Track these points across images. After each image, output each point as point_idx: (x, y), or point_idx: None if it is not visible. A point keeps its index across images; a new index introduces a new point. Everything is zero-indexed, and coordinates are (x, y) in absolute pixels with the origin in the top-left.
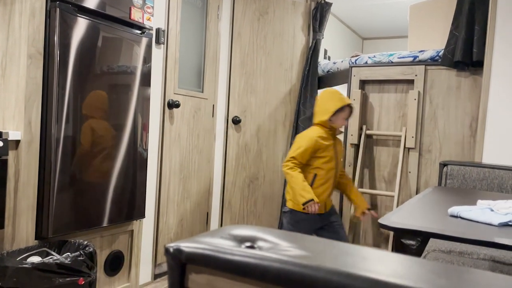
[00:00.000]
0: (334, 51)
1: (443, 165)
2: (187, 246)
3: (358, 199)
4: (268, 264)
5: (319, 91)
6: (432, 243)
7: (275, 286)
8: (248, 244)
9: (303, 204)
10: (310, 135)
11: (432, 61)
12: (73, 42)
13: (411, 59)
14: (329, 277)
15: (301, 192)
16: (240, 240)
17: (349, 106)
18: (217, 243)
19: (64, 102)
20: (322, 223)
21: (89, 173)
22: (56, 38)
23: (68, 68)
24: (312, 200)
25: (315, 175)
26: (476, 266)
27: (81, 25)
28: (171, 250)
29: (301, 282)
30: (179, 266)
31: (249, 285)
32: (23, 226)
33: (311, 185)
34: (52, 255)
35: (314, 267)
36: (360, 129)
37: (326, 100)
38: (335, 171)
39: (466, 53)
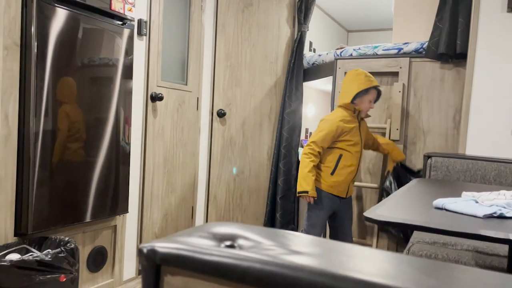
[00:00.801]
0: (319, 44)
1: (427, 157)
2: (162, 246)
3: (394, 152)
4: (248, 264)
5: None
6: (417, 234)
7: None
8: (228, 243)
9: (298, 193)
10: (332, 119)
11: (417, 53)
12: (52, 33)
13: (395, 51)
14: (313, 278)
15: (301, 181)
16: (220, 238)
17: (376, 88)
18: (195, 242)
19: (42, 95)
20: (339, 207)
21: (70, 168)
22: (33, 29)
23: (46, 60)
24: (307, 192)
25: (340, 156)
26: (459, 256)
27: (60, 15)
28: (145, 250)
29: (283, 284)
30: (154, 267)
31: (228, 287)
32: (1, 223)
33: (336, 166)
34: (32, 252)
35: (297, 267)
36: None
37: (350, 82)
38: (360, 155)
39: (450, 45)
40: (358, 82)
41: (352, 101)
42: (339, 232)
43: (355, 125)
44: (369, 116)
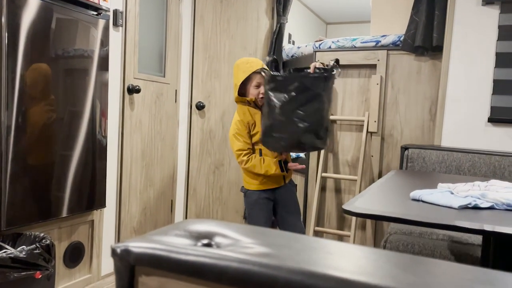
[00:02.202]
0: (298, 36)
1: (404, 148)
2: (136, 246)
3: None
4: (225, 264)
5: None
6: (394, 225)
7: None
8: (205, 241)
9: (283, 171)
10: (233, 123)
11: (394, 46)
12: (24, 23)
13: (373, 44)
14: (291, 277)
15: (268, 169)
16: (197, 237)
17: (257, 72)
18: (170, 241)
19: (15, 87)
20: (277, 198)
21: (45, 162)
22: (3, 19)
23: (18, 51)
24: (281, 161)
25: (260, 150)
26: (435, 246)
27: (32, 5)
28: (118, 251)
29: (261, 283)
30: (128, 268)
31: (205, 287)
32: None
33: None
34: (6, 249)
35: (275, 266)
36: None
37: (235, 74)
38: None
39: (426, 38)
40: (240, 72)
41: (241, 94)
42: (286, 226)
43: (256, 115)
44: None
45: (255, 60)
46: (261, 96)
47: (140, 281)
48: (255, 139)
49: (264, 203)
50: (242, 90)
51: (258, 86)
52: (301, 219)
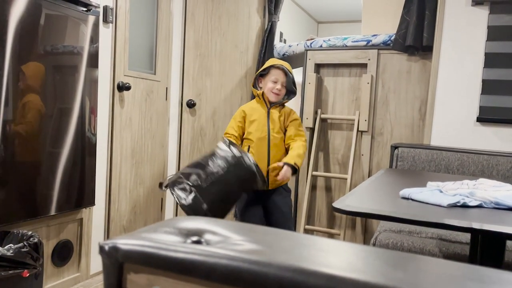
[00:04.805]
0: (289, 34)
1: (394, 147)
2: (124, 243)
3: (289, 155)
4: (215, 261)
5: None
6: (384, 223)
7: (222, 285)
8: (194, 238)
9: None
10: (239, 108)
11: (385, 45)
12: (11, 19)
13: (364, 43)
14: (281, 274)
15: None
16: (186, 234)
17: (277, 68)
18: (159, 238)
19: (2, 84)
20: (266, 202)
21: (33, 160)
22: None
23: (5, 47)
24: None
25: (248, 147)
26: (424, 244)
27: (20, 1)
28: (106, 248)
29: (251, 280)
30: (116, 265)
31: (194, 285)
32: None
33: None
34: None
35: (265, 263)
36: (315, 113)
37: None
38: (268, 142)
39: (416, 37)
40: (264, 65)
41: (256, 86)
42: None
43: (262, 112)
44: (283, 101)
45: (281, 62)
46: (274, 91)
47: (128, 278)
48: (248, 134)
49: (256, 209)
50: (261, 84)
51: (275, 82)
52: (291, 226)
